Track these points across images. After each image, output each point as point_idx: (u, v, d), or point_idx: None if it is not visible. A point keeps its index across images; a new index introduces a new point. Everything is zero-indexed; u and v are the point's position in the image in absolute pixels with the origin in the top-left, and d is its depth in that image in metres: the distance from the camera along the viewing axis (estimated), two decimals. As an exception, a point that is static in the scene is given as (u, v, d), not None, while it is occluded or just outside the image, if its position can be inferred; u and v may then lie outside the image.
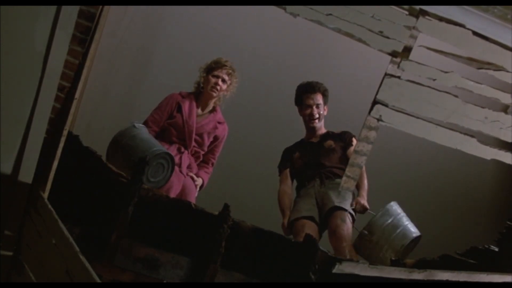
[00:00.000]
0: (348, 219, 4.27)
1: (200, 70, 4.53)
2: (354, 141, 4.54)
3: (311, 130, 4.65)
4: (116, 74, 5.80)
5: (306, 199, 4.44)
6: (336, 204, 4.31)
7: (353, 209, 4.33)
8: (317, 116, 4.58)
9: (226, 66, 4.46)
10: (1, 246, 3.10)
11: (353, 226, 4.31)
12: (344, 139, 4.62)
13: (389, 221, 4.13)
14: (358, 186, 4.44)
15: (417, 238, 4.20)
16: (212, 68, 4.47)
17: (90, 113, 5.52)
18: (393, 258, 3.99)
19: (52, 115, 3.13)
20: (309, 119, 4.61)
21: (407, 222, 4.17)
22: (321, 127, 4.67)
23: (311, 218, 4.33)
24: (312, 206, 4.39)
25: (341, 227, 4.21)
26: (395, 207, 4.21)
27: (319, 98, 4.58)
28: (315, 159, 4.55)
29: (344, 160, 4.44)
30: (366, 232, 4.09)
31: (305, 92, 4.60)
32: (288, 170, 4.64)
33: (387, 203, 4.23)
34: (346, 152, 4.54)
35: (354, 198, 4.42)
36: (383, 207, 4.18)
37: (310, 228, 4.24)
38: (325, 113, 4.66)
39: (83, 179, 3.45)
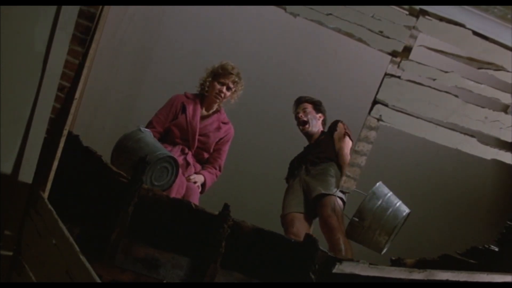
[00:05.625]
0: (337, 204, 4.27)
1: (206, 72, 4.50)
2: (340, 125, 4.62)
3: (309, 138, 4.74)
4: (116, 74, 5.80)
5: (294, 192, 4.49)
6: (323, 191, 4.33)
7: (340, 191, 4.32)
8: (305, 119, 4.67)
9: (232, 74, 4.45)
10: (1, 246, 3.10)
11: (343, 208, 4.32)
12: (331, 127, 4.69)
13: (378, 204, 4.10)
14: (341, 165, 4.48)
15: (407, 216, 4.18)
16: (219, 74, 4.44)
17: (90, 113, 5.53)
18: (386, 240, 4.04)
19: (52, 115, 3.13)
20: (298, 124, 4.72)
21: (396, 201, 4.15)
22: (318, 133, 4.73)
23: (300, 211, 4.39)
24: (299, 200, 4.44)
25: (332, 217, 4.22)
26: (381, 188, 4.19)
27: (305, 106, 4.71)
28: (306, 151, 4.67)
29: (331, 145, 4.55)
30: (356, 219, 4.08)
31: (293, 107, 4.78)
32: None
33: (371, 189, 4.19)
34: (333, 137, 4.60)
35: (337, 179, 4.41)
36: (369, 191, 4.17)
37: (300, 221, 4.33)
38: (320, 119, 4.74)
39: (83, 179, 3.45)
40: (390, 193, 4.18)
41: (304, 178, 4.48)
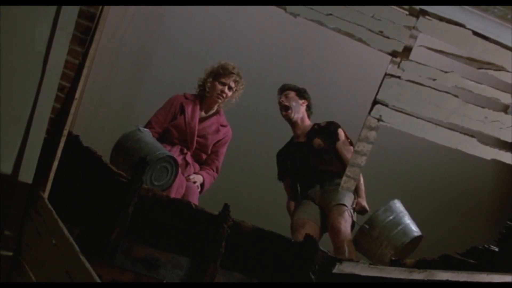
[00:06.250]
0: (347, 214, 4.26)
1: (205, 72, 4.50)
2: (341, 132, 4.57)
3: (293, 125, 4.67)
4: (116, 74, 5.80)
5: (309, 204, 4.43)
6: (338, 202, 4.31)
7: (353, 209, 4.32)
8: (286, 103, 4.62)
9: (233, 73, 4.45)
10: (1, 246, 3.10)
11: (352, 223, 4.30)
12: (330, 133, 4.61)
13: (390, 217, 4.13)
14: (356, 188, 4.42)
15: (418, 239, 4.18)
16: (220, 74, 4.44)
17: (90, 113, 5.52)
18: (392, 255, 4.00)
19: (52, 115, 3.13)
20: (280, 109, 4.67)
21: (409, 221, 4.16)
22: (303, 120, 4.66)
23: (312, 220, 4.32)
24: (315, 211, 4.39)
25: (338, 220, 4.20)
26: (398, 204, 4.20)
27: (287, 93, 4.67)
28: (308, 163, 4.54)
29: (336, 155, 4.49)
30: (367, 226, 4.09)
31: (277, 95, 4.73)
32: (288, 179, 4.67)
33: (387, 203, 4.21)
34: (336, 146, 4.54)
35: (354, 198, 4.41)
36: (385, 203, 4.17)
37: (311, 227, 4.25)
38: (304, 105, 4.67)
39: (83, 179, 3.45)
40: (405, 212, 4.19)
41: (320, 194, 4.43)
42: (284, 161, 4.68)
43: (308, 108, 4.71)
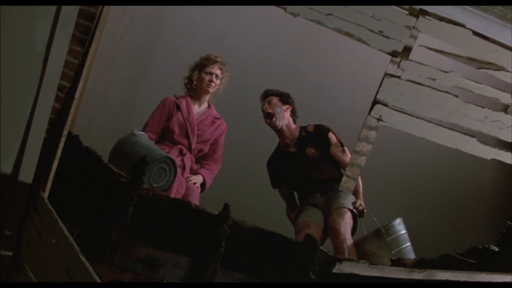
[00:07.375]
0: (348, 216, 4.24)
1: (189, 68, 4.58)
2: (332, 136, 4.48)
3: (279, 133, 4.60)
4: (116, 74, 5.81)
5: (312, 209, 4.40)
6: (339, 206, 4.28)
7: (355, 209, 4.31)
8: (269, 110, 4.52)
9: (217, 62, 4.52)
10: (1, 246, 3.10)
11: (354, 227, 4.29)
12: (321, 140, 4.51)
13: (402, 232, 4.21)
14: (355, 191, 4.41)
15: None
16: (204, 65, 4.52)
17: (90, 113, 5.52)
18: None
19: (52, 115, 3.13)
20: (264, 117, 4.57)
21: (409, 242, 4.27)
22: (288, 127, 4.57)
23: (316, 223, 4.32)
24: (318, 215, 4.35)
25: (337, 222, 4.17)
26: (403, 225, 4.28)
27: (270, 99, 4.58)
28: (306, 175, 4.48)
29: (331, 161, 4.44)
30: (383, 230, 4.12)
31: (260, 101, 4.64)
32: (284, 188, 4.63)
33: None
34: (329, 152, 4.47)
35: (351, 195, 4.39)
36: (395, 217, 4.24)
37: (314, 229, 4.21)
38: (288, 110, 4.58)
39: (83, 179, 3.45)
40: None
41: (322, 201, 4.39)
42: (277, 170, 4.61)
43: (293, 113, 4.62)
